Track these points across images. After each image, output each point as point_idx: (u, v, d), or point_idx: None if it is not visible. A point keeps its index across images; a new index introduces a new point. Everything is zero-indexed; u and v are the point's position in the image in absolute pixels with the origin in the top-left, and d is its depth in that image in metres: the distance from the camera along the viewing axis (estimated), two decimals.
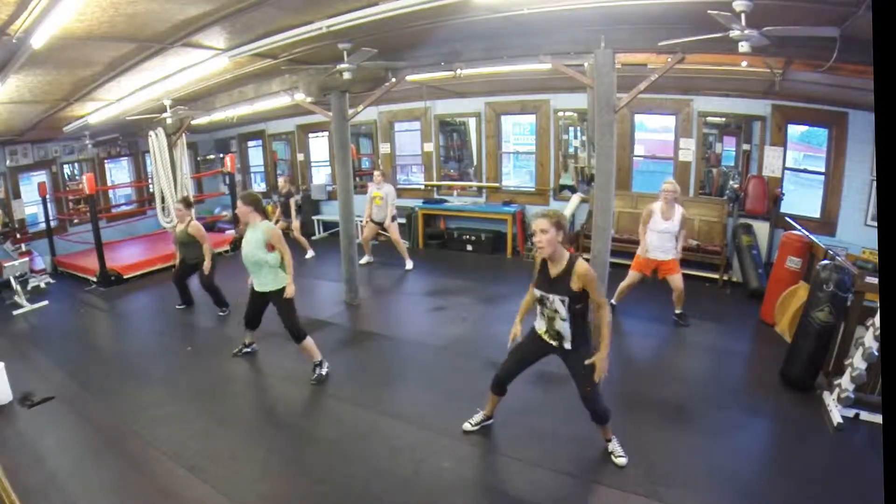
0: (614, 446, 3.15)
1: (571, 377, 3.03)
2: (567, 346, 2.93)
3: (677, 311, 5.18)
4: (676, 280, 5.02)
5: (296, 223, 8.20)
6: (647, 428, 3.49)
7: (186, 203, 5.79)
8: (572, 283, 2.75)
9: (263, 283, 4.11)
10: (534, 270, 2.96)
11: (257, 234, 3.99)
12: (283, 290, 4.07)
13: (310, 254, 8.22)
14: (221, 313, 5.85)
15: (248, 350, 4.80)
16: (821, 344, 3.77)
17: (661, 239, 4.98)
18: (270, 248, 4.03)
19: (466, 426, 3.47)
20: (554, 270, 2.82)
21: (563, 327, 2.88)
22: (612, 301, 5.31)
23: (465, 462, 3.20)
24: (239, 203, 4.08)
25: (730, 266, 6.29)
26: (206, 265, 5.60)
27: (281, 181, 8.32)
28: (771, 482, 2.96)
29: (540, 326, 3.04)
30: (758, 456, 3.27)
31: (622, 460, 3.09)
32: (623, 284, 5.24)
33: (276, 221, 8.24)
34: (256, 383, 4.47)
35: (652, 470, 3.03)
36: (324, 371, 4.26)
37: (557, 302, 2.83)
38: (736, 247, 6.24)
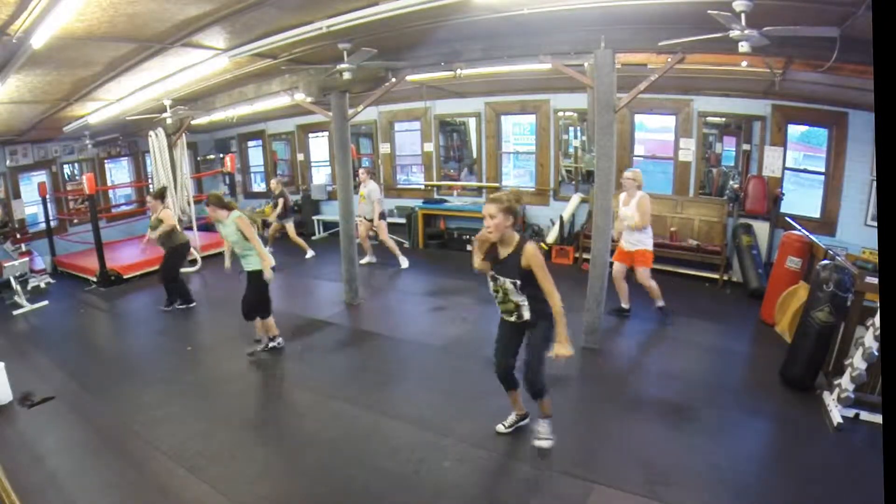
0: (544, 426, 3.12)
1: (526, 350, 3.03)
2: (526, 316, 2.95)
3: (659, 305, 5.14)
4: (640, 274, 4.99)
5: (288, 225, 8.30)
6: (647, 428, 3.49)
7: (158, 195, 6.02)
8: (522, 262, 2.80)
9: (250, 263, 4.49)
10: (479, 241, 2.95)
11: (231, 227, 4.41)
12: (261, 271, 4.44)
13: (309, 254, 8.25)
14: (179, 306, 6.04)
15: (269, 346, 4.82)
16: (821, 344, 3.77)
17: (621, 225, 5.03)
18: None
19: (500, 428, 3.40)
20: (503, 252, 2.88)
21: (520, 300, 2.92)
22: (623, 304, 5.29)
23: (465, 462, 3.19)
24: (209, 209, 4.48)
25: (730, 266, 6.29)
26: (151, 235, 5.88)
27: (273, 183, 8.46)
28: (771, 482, 2.96)
29: (501, 311, 3.07)
30: (758, 456, 3.27)
31: (544, 443, 3.10)
32: (614, 279, 5.16)
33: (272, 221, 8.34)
34: (256, 383, 4.47)
35: (652, 470, 3.03)
36: (277, 343, 4.71)
37: (508, 283, 2.89)
38: (736, 247, 6.24)
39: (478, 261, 2.98)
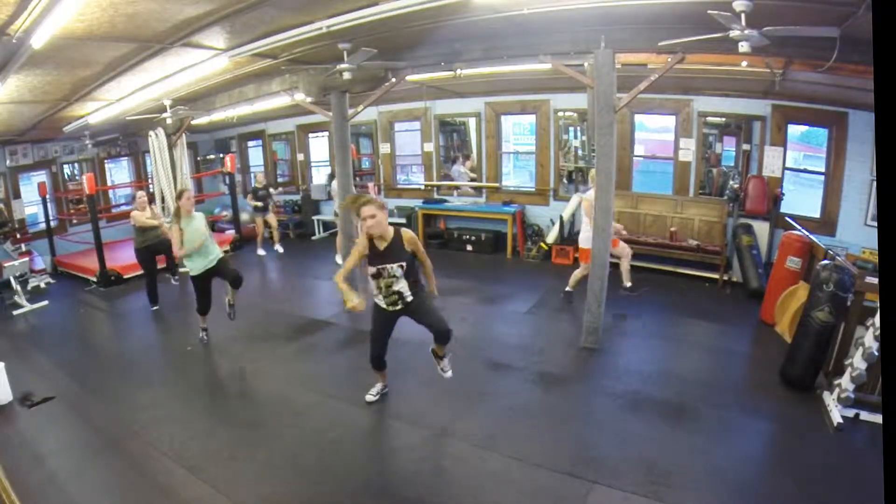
0: (445, 363, 3.72)
1: (423, 321, 3.41)
2: (409, 299, 3.36)
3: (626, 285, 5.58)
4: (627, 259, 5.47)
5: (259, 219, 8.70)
6: (647, 428, 3.50)
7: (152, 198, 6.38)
8: (406, 248, 3.28)
9: (215, 254, 4.77)
10: (358, 251, 3.28)
11: (199, 221, 4.74)
12: (223, 255, 4.89)
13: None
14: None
15: (205, 336, 5.09)
16: (821, 344, 3.77)
17: None
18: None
19: (368, 398, 3.86)
20: (382, 244, 3.27)
21: (402, 285, 3.32)
22: (568, 288, 5.66)
23: (464, 462, 3.20)
24: (189, 196, 4.72)
25: (730, 266, 6.29)
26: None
27: (260, 175, 8.86)
28: (771, 482, 2.96)
29: (381, 302, 3.42)
30: (758, 456, 3.27)
31: (449, 374, 3.72)
32: (580, 274, 5.50)
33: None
34: (256, 383, 4.47)
35: (652, 470, 3.03)
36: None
37: (396, 268, 3.27)
38: (736, 247, 6.24)
39: (344, 274, 3.31)
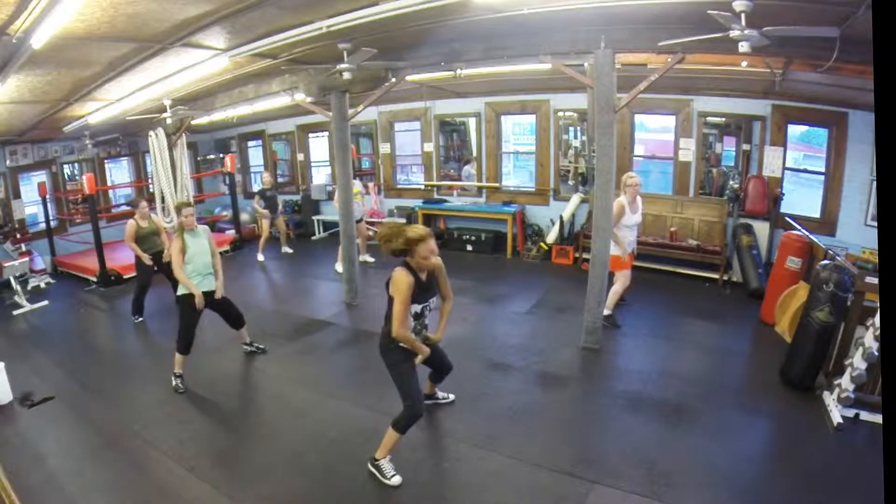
0: (440, 394, 3.78)
1: (437, 358, 3.28)
2: (429, 334, 3.08)
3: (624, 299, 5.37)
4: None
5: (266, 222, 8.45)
6: (647, 428, 3.50)
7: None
8: (433, 280, 2.97)
9: (212, 281, 4.31)
10: (409, 292, 2.79)
11: (205, 239, 4.27)
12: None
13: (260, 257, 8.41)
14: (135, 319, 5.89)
15: (180, 384, 4.22)
16: (821, 344, 3.77)
17: (632, 233, 5.04)
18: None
19: (395, 480, 2.99)
20: (424, 276, 2.91)
21: (430, 318, 3.03)
22: (608, 311, 4.96)
23: (464, 462, 3.20)
24: (191, 210, 4.23)
25: (730, 266, 6.29)
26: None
27: (267, 176, 8.59)
28: (771, 482, 2.96)
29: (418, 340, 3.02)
30: (758, 456, 3.27)
31: (452, 396, 3.81)
32: (618, 288, 5.06)
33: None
34: (256, 383, 4.47)
35: (652, 470, 3.03)
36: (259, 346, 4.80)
37: (433, 302, 3.00)
38: (736, 247, 6.24)
39: (403, 326, 2.84)
